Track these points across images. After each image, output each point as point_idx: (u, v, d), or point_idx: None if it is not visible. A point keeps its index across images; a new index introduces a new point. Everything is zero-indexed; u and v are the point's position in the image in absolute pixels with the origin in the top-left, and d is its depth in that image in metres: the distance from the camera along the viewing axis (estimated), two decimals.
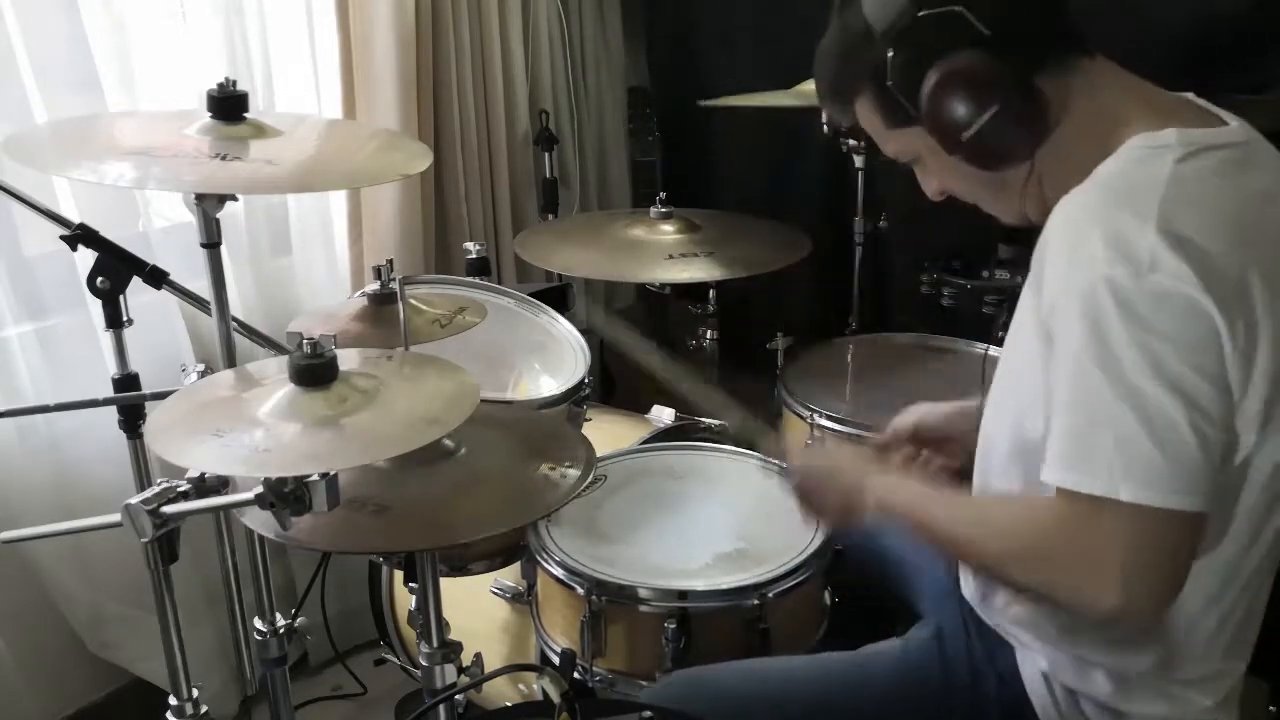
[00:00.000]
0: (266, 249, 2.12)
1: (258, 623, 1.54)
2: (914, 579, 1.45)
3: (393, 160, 1.42)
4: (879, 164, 1.43)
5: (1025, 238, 1.11)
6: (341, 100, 2.16)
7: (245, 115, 1.29)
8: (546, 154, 2.56)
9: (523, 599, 1.64)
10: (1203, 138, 1.02)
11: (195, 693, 1.13)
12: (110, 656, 1.95)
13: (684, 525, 1.54)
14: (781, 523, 1.51)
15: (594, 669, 1.43)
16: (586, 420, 1.82)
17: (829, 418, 1.86)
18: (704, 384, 1.83)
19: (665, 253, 2.00)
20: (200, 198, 1.26)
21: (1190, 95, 1.12)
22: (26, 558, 1.82)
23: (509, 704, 1.59)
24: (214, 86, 1.28)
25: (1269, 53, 1.86)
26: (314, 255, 2.19)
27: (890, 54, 1.07)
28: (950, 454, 1.38)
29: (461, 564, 1.61)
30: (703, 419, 1.95)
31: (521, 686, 1.71)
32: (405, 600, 1.85)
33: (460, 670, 1.28)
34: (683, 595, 1.38)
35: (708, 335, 2.34)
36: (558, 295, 1.97)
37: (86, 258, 1.36)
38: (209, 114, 1.28)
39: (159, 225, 1.93)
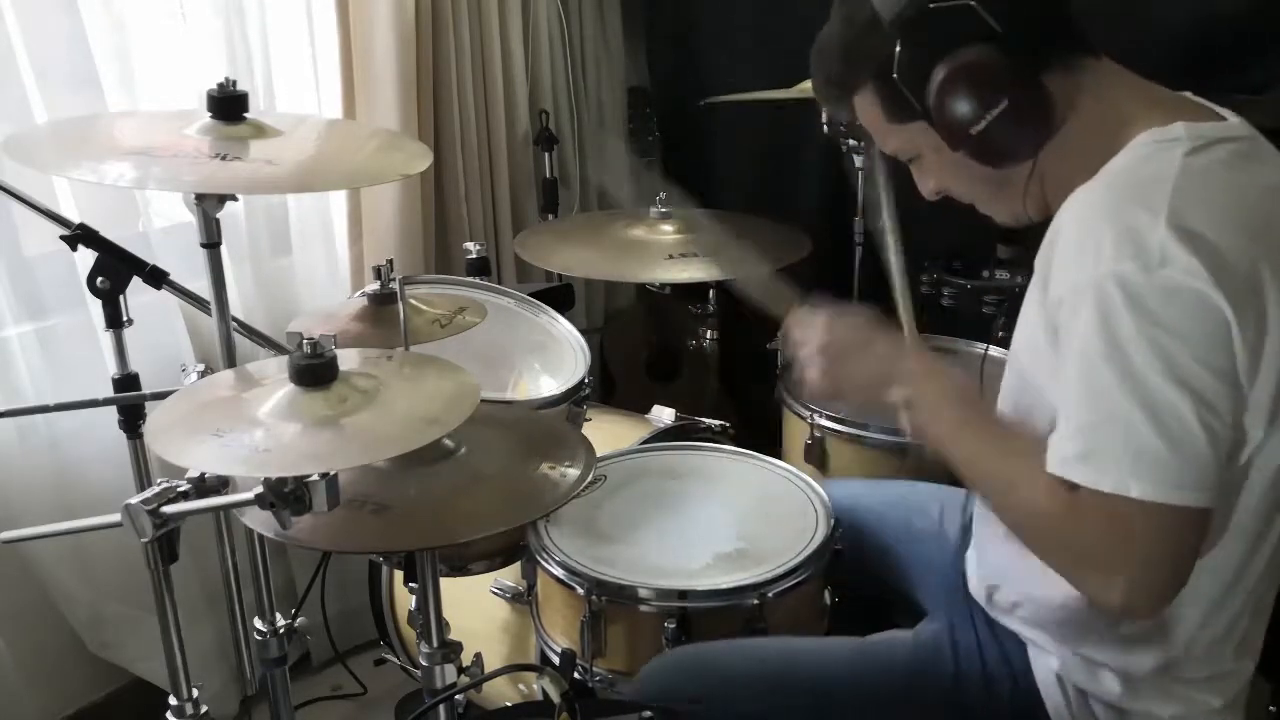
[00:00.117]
0: (266, 249, 2.11)
1: (258, 623, 1.54)
2: (921, 577, 1.45)
3: (393, 160, 1.42)
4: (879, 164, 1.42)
5: (1025, 238, 1.11)
6: (341, 100, 2.15)
7: (245, 115, 1.29)
8: (546, 154, 2.56)
9: (523, 599, 1.64)
10: (1211, 131, 1.02)
11: (195, 693, 1.14)
12: (110, 656, 1.95)
13: (684, 525, 1.54)
14: (781, 523, 1.51)
15: (594, 669, 1.43)
16: (586, 420, 1.81)
17: (829, 418, 1.87)
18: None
19: (665, 253, 2.00)
20: (200, 198, 1.26)
21: (1188, 94, 1.12)
22: (26, 558, 1.82)
23: (509, 704, 1.60)
24: (214, 86, 1.28)
25: (1269, 53, 1.85)
26: (314, 255, 2.19)
27: (898, 46, 1.06)
28: None
29: (461, 564, 1.61)
30: (703, 419, 1.95)
31: (521, 686, 1.71)
32: (405, 600, 1.86)
33: (460, 670, 1.28)
34: (683, 595, 1.38)
35: (708, 335, 2.35)
36: (558, 295, 1.97)
37: (86, 258, 1.37)
38: (209, 114, 1.28)
39: (159, 225, 1.93)
